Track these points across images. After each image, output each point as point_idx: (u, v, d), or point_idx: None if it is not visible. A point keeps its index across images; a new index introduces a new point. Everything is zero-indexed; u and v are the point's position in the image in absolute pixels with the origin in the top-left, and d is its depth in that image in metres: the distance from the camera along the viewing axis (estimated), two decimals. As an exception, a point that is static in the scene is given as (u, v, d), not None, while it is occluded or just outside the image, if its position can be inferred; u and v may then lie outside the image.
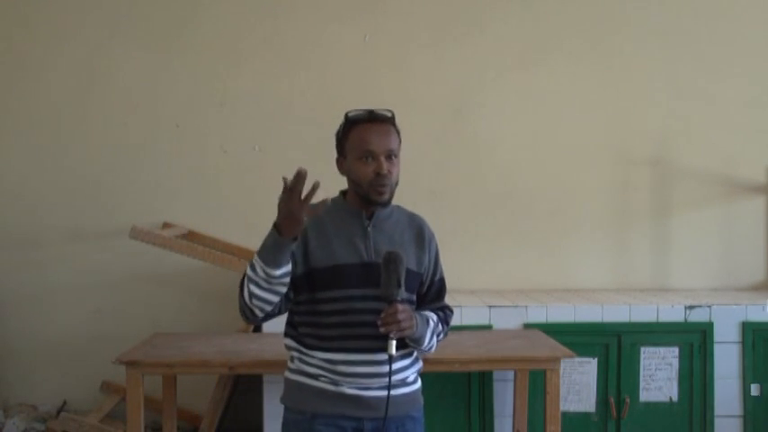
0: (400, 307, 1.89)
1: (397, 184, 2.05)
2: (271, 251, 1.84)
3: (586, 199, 4.18)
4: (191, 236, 3.97)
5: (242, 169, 4.10)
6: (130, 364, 2.89)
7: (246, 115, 4.10)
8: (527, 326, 3.51)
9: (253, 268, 1.89)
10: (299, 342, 2.06)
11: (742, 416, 3.57)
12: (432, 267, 2.12)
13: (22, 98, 4.07)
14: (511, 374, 3.42)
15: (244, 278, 1.93)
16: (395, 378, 1.99)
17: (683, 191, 4.21)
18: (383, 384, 1.96)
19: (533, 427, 3.39)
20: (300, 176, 1.83)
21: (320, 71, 4.09)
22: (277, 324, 3.44)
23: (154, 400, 3.70)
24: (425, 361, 2.95)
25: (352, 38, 4.11)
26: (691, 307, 3.57)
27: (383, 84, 4.08)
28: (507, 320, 3.51)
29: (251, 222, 4.07)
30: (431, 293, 2.14)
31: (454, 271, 4.25)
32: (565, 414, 3.32)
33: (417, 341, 2.02)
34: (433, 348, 2.11)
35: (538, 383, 3.28)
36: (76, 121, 4.07)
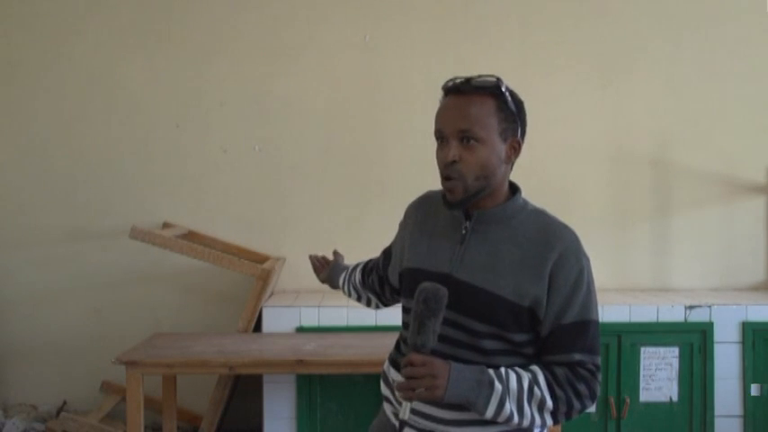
0: (417, 359, 1.42)
1: (482, 177, 1.54)
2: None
3: (586, 199, 4.18)
4: (191, 236, 3.97)
5: (242, 169, 4.10)
6: (130, 364, 2.89)
7: (246, 115, 4.10)
8: (527, 326, 3.51)
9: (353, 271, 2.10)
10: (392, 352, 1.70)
11: (742, 416, 3.58)
12: (558, 306, 1.51)
13: (22, 98, 4.07)
14: (511, 374, 3.42)
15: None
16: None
17: (683, 191, 4.21)
18: None
19: (533, 427, 3.39)
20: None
21: (320, 71, 4.09)
22: (277, 324, 3.47)
23: (154, 400, 3.71)
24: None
25: (352, 38, 4.11)
26: (691, 307, 3.57)
27: (383, 84, 4.08)
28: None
29: (251, 222, 4.08)
30: (551, 341, 1.52)
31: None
32: (565, 414, 3.32)
33: (476, 411, 1.47)
34: (536, 423, 1.50)
35: (538, 383, 3.28)
36: (76, 121, 4.07)
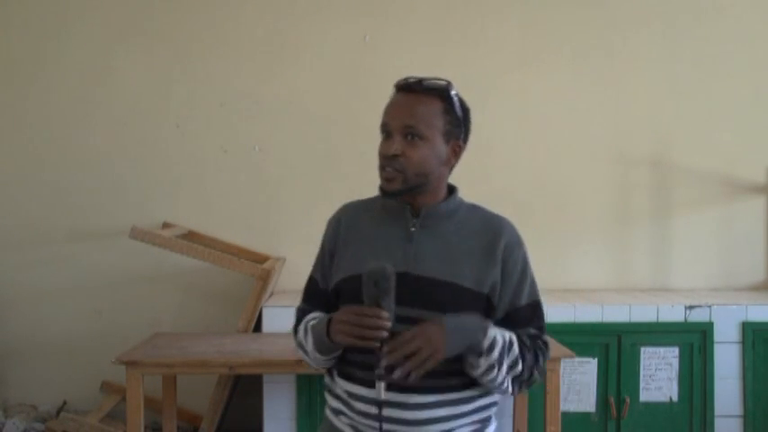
0: (407, 334, 1.44)
1: (422, 175, 1.58)
2: (318, 342, 1.59)
3: (586, 199, 4.18)
4: (191, 236, 3.97)
5: (242, 169, 4.10)
6: (130, 364, 2.89)
7: (246, 115, 4.10)
8: (527, 326, 3.51)
9: (305, 338, 1.64)
10: (332, 365, 1.66)
11: (742, 416, 3.58)
12: (511, 290, 1.60)
13: (22, 98, 4.06)
14: (511, 374, 3.42)
15: (295, 330, 1.73)
16: (427, 430, 1.55)
17: (683, 191, 4.21)
18: None
19: (533, 427, 3.39)
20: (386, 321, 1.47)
21: (320, 71, 4.09)
22: (277, 324, 3.47)
23: (154, 400, 3.70)
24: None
25: (352, 38, 4.11)
26: (691, 307, 3.57)
27: (383, 84, 4.05)
28: (507, 320, 3.51)
29: (251, 222, 4.08)
30: (509, 323, 1.60)
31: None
32: (565, 414, 3.32)
33: (475, 351, 1.51)
34: (506, 386, 1.57)
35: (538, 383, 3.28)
36: (77, 121, 4.07)
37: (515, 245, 1.63)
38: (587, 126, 4.18)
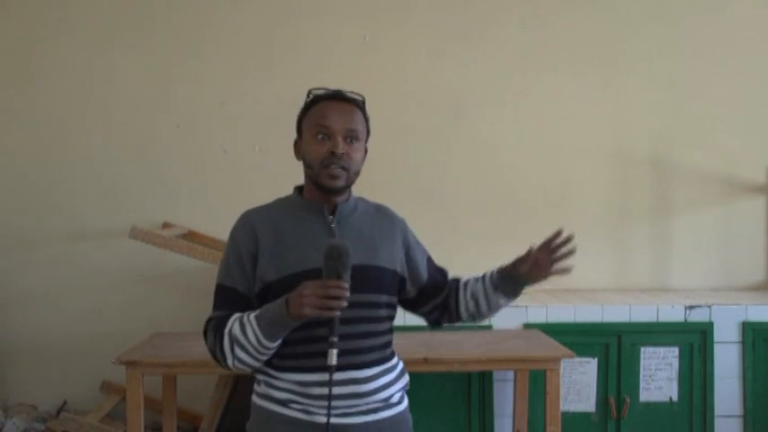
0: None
1: (357, 174, 1.81)
2: (271, 325, 1.64)
3: (586, 199, 4.18)
4: (191, 236, 3.97)
5: (242, 169, 4.10)
6: (130, 364, 2.89)
7: (246, 115, 4.10)
8: (527, 326, 3.51)
9: (243, 330, 1.69)
10: (266, 362, 1.77)
11: (742, 416, 3.58)
12: (422, 256, 1.93)
13: (22, 98, 4.07)
14: (511, 374, 3.42)
15: (222, 330, 1.77)
16: (376, 399, 1.73)
17: (683, 191, 4.21)
18: (367, 408, 1.73)
19: (533, 427, 3.40)
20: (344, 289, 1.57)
21: (320, 71, 4.09)
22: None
23: (154, 400, 3.71)
24: (423, 362, 2.96)
25: (352, 38, 4.11)
26: (691, 307, 3.57)
27: (383, 84, 4.07)
28: (507, 320, 3.51)
29: (251, 222, 4.07)
30: (436, 277, 1.94)
31: (454, 271, 4.28)
32: (565, 414, 3.32)
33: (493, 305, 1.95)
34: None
35: (538, 383, 3.28)
36: (77, 121, 4.07)
37: (405, 223, 1.93)
38: (587, 126, 4.18)
